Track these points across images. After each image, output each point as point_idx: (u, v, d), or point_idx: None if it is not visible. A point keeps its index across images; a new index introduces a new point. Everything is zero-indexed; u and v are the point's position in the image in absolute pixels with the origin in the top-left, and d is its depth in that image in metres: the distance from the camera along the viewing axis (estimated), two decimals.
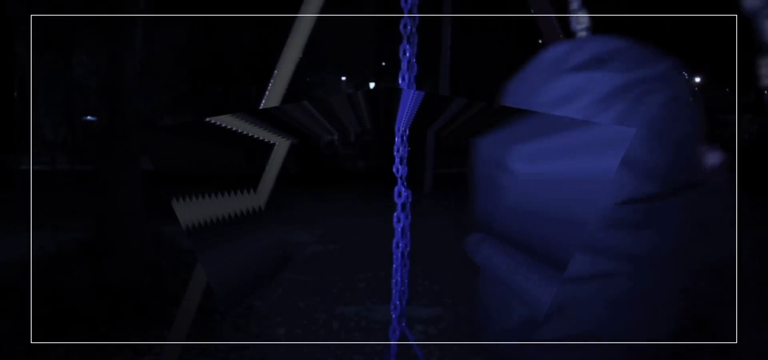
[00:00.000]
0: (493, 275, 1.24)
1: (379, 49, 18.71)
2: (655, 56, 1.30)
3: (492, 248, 1.20)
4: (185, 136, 1.19)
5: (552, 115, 1.18)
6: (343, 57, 19.56)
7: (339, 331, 4.41)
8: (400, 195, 1.94)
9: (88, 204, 6.11)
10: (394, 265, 1.98)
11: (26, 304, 4.09)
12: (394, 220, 1.95)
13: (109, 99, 5.63)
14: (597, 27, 1.61)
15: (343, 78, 23.34)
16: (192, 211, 1.11)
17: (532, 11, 2.39)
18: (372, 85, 20.48)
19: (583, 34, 1.59)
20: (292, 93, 2.21)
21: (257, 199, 1.29)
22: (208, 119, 1.11)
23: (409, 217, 1.98)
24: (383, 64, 20.22)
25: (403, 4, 1.88)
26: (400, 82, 1.92)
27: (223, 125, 1.14)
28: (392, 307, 2.01)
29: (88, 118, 19.26)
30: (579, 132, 1.01)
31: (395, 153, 1.94)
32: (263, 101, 2.20)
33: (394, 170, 1.94)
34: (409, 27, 1.89)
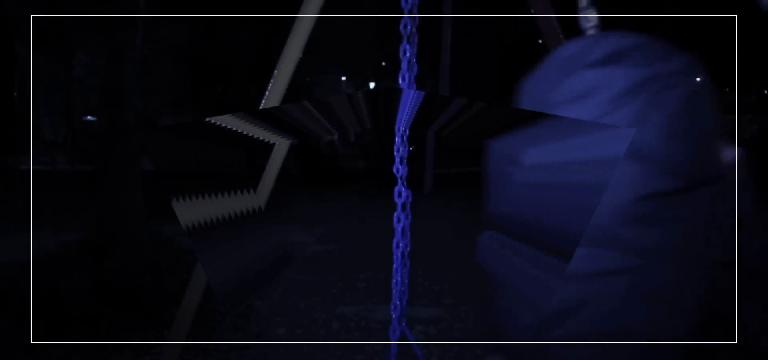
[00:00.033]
0: (508, 274, 1.24)
1: (379, 49, 18.71)
2: (674, 52, 1.29)
3: (506, 246, 1.20)
4: (185, 136, 1.19)
5: (565, 114, 1.18)
6: (343, 57, 19.56)
7: (339, 331, 4.41)
8: (400, 195, 1.94)
9: (88, 204, 6.11)
10: (394, 265, 1.98)
11: (26, 304, 4.09)
12: (394, 220, 1.95)
13: (109, 99, 5.64)
14: (598, 26, 1.60)
15: (343, 78, 23.36)
16: (192, 211, 1.11)
17: (532, 11, 2.39)
18: (372, 85, 20.49)
19: (592, 32, 1.58)
20: (292, 93, 2.21)
21: (257, 199, 1.29)
22: (208, 119, 1.11)
23: (410, 217, 1.98)
24: (383, 64, 20.25)
25: (403, 4, 1.88)
26: (400, 82, 1.91)
27: (223, 125, 1.14)
28: (392, 307, 2.01)
29: (88, 118, 19.26)
30: (591, 130, 1.01)
31: (395, 153, 1.94)
32: (263, 101, 2.20)
33: (394, 170, 1.94)
34: (409, 27, 1.89)
